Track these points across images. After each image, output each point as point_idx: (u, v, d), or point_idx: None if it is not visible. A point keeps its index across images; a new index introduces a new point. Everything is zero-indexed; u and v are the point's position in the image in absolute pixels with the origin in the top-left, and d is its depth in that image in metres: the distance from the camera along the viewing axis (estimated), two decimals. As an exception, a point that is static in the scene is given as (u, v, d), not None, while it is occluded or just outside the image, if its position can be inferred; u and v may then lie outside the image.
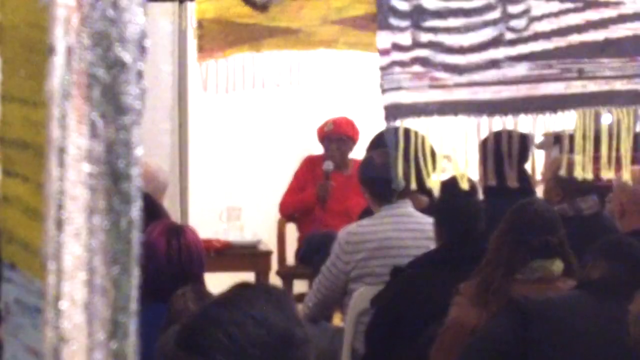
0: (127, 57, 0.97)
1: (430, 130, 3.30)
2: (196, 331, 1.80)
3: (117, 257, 0.98)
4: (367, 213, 5.41)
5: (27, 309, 1.14)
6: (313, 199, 6.98)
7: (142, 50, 0.99)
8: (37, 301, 1.12)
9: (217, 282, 5.06)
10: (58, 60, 0.85)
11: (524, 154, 4.47)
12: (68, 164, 0.88)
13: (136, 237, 1.03)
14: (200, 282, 3.71)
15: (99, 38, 0.93)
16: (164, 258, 3.63)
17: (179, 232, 3.74)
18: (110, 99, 0.96)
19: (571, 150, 3.64)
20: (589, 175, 3.55)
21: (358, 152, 7.17)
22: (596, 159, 3.61)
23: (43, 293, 1.08)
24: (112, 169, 0.97)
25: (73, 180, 0.89)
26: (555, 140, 5.54)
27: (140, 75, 0.99)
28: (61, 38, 0.86)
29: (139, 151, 1.01)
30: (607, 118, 3.56)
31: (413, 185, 3.36)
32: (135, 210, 1.02)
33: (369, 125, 6.85)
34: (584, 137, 3.50)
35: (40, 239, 1.12)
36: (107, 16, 0.93)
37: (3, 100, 1.18)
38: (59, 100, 0.85)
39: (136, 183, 1.01)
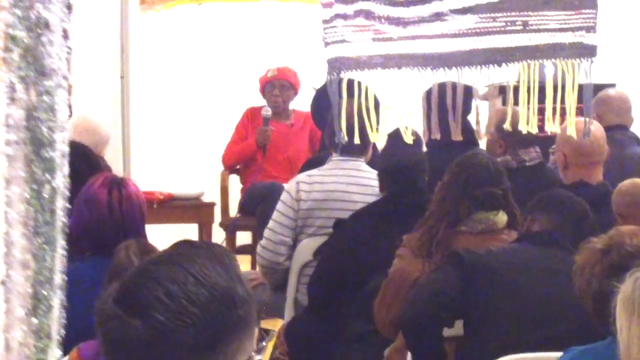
0: (51, 16, 0.92)
1: (373, 82, 3.27)
2: (135, 289, 1.75)
3: (39, 228, 0.93)
4: (310, 163, 5.38)
5: None
6: (254, 146, 6.96)
7: (68, 8, 0.94)
8: None
9: (161, 234, 5.02)
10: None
11: (467, 106, 4.45)
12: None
13: (61, 206, 0.98)
14: (142, 235, 3.68)
15: (18, -3, 0.87)
16: (106, 210, 3.61)
17: (120, 184, 3.71)
18: (32, 62, 0.90)
19: (515, 102, 3.63)
20: (534, 129, 3.54)
21: (299, 104, 7.13)
22: (540, 110, 3.60)
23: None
24: (34, 136, 0.91)
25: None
26: (500, 91, 5.56)
27: (66, 35, 0.94)
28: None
29: (63, 115, 0.95)
30: (551, 70, 3.55)
31: (356, 140, 3.32)
32: (60, 178, 0.96)
33: (312, 78, 6.80)
34: (528, 89, 3.49)
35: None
36: (28, -27, 0.88)
37: None
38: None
39: (61, 149, 0.96)
